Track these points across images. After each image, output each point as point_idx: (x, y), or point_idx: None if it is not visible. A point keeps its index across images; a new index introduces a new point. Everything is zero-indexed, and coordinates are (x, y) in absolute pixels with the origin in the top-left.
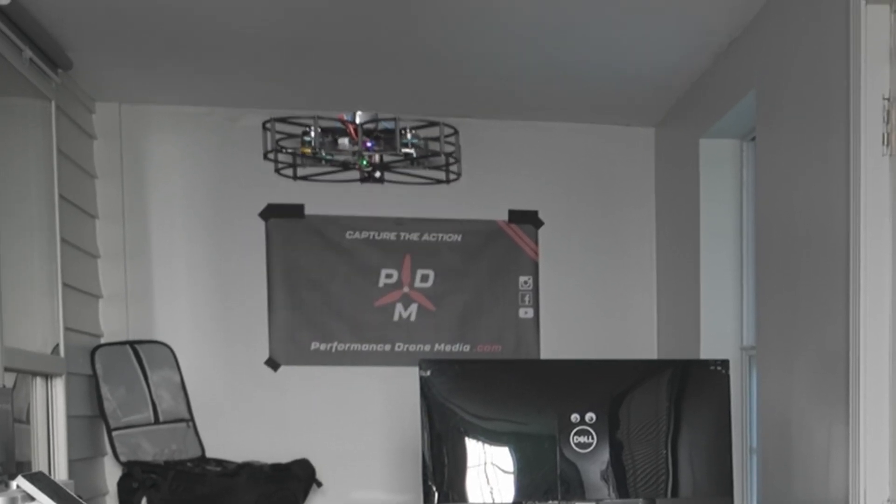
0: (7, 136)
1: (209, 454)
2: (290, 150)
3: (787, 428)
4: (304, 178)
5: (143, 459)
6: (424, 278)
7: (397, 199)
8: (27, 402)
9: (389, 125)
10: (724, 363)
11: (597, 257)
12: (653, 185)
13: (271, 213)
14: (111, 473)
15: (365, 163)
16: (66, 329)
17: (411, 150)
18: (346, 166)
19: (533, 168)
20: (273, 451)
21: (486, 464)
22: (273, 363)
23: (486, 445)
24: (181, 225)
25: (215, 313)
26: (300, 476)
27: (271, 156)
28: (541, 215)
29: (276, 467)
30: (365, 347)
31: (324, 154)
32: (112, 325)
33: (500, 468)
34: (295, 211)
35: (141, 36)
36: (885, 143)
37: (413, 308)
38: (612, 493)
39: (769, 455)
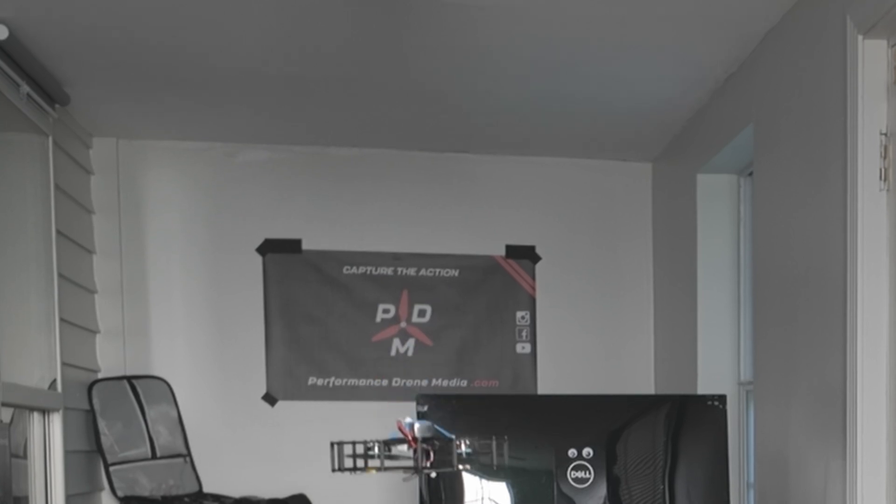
0: (4, 172)
1: (206, 489)
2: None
3: (784, 463)
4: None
5: (140, 494)
6: (422, 313)
7: (395, 235)
8: (24, 437)
9: (445, 434)
10: (722, 398)
11: (594, 292)
12: (650, 220)
13: (269, 248)
14: None
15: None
16: (64, 364)
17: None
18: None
19: (530, 203)
20: (270, 486)
21: (483, 499)
22: (270, 398)
23: (484, 481)
24: (178, 260)
25: (213, 348)
26: None
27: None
28: (538, 250)
29: (273, 502)
30: (362, 382)
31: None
32: (109, 360)
33: (497, 503)
34: (292, 246)
35: (138, 71)
36: (882, 177)
37: (410, 343)
38: None
39: (766, 490)
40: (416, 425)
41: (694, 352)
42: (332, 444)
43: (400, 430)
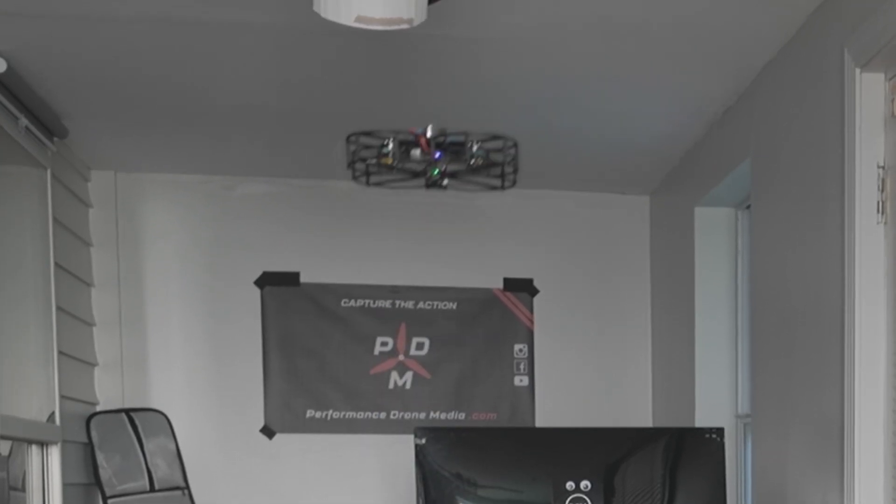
0: (3, 205)
1: None
2: (370, 161)
3: (782, 496)
4: (378, 184)
5: None
6: (420, 346)
7: (393, 268)
8: (23, 469)
9: (457, 139)
10: (720, 431)
11: (592, 325)
12: (648, 253)
13: (267, 281)
14: None
15: (437, 172)
16: (62, 397)
17: (479, 160)
18: (415, 175)
19: (528, 236)
20: None
21: None
22: (268, 431)
23: None
24: (177, 293)
25: (211, 381)
26: None
27: (353, 168)
28: (536, 283)
29: None
30: (360, 415)
31: (398, 164)
32: (107, 392)
33: None
34: (290, 279)
35: (136, 105)
36: (880, 210)
37: (408, 376)
38: None
39: None
40: (429, 126)
41: (692, 384)
42: (347, 138)
43: (412, 133)
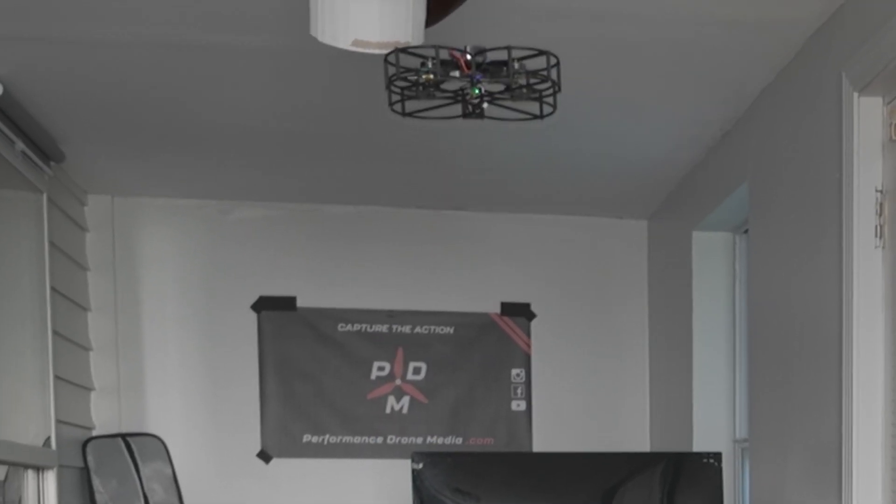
0: None
1: None
2: (409, 80)
3: None
4: (411, 114)
5: None
6: (417, 371)
7: (389, 292)
8: (19, 494)
9: (498, 57)
10: (717, 456)
11: (589, 349)
12: (645, 277)
13: (263, 305)
14: None
15: (477, 91)
16: (58, 421)
17: (518, 79)
18: (455, 97)
19: (525, 260)
20: None
21: None
22: (265, 455)
23: None
24: (173, 317)
25: (207, 405)
26: None
27: (390, 92)
28: (533, 308)
29: None
30: (357, 440)
31: (440, 79)
32: (104, 417)
33: None
34: (287, 303)
35: (133, 129)
36: (878, 235)
37: (405, 400)
38: None
39: None
40: (468, 47)
41: (689, 409)
42: (385, 58)
43: (452, 55)
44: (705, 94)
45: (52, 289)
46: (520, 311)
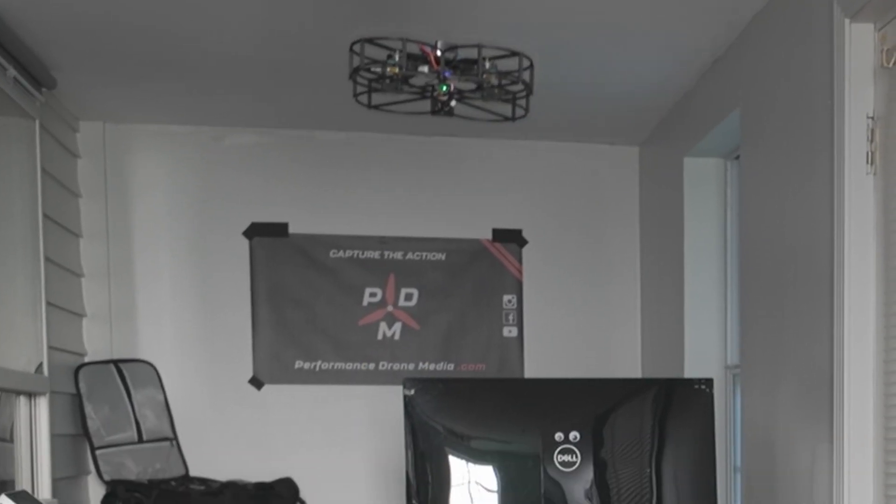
0: None
1: (193, 473)
2: (374, 71)
3: (771, 447)
4: (377, 107)
5: (126, 478)
6: (408, 297)
7: (381, 218)
8: (10, 420)
9: (469, 55)
10: (709, 382)
11: (581, 276)
12: (637, 204)
13: (255, 231)
14: (95, 492)
15: (445, 88)
16: (50, 348)
17: (490, 79)
18: (423, 93)
19: (517, 187)
20: (257, 469)
21: (469, 482)
22: (257, 382)
23: (470, 464)
24: (165, 244)
25: (199, 332)
26: (284, 495)
27: (355, 82)
28: (525, 234)
29: (260, 486)
30: (349, 366)
31: (405, 73)
32: (96, 343)
33: (483, 487)
34: (279, 230)
35: (125, 55)
36: (869, 161)
37: (397, 327)
38: None
39: (753, 474)
40: (438, 42)
41: (681, 335)
42: (351, 47)
43: (422, 50)
44: (696, 20)
45: (44, 215)
46: (511, 238)
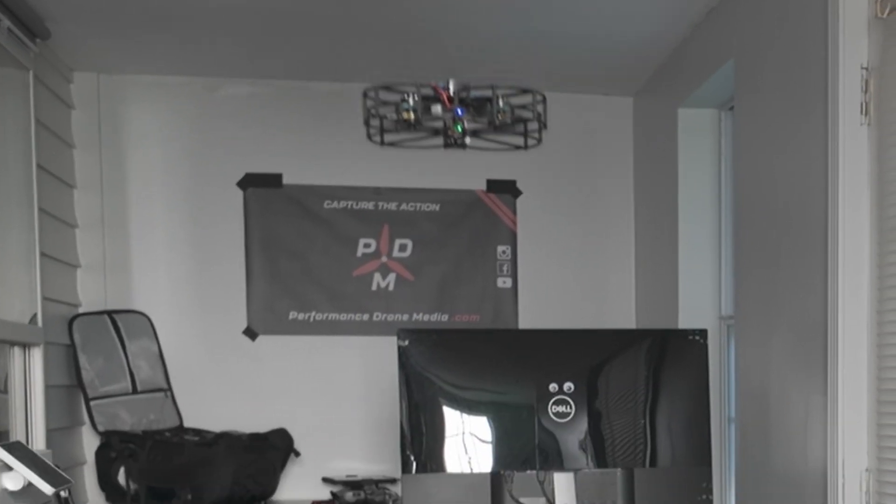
0: None
1: (187, 424)
2: (389, 118)
3: (765, 398)
4: (392, 144)
5: (120, 429)
6: (403, 248)
7: (375, 169)
8: (5, 371)
9: (482, 94)
10: (703, 333)
11: (575, 227)
12: (631, 155)
13: (249, 182)
14: (89, 443)
15: (460, 129)
16: (44, 299)
17: (505, 118)
18: (435, 132)
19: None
20: (251, 420)
21: (464, 433)
22: (251, 332)
23: (465, 415)
24: (159, 194)
25: (193, 283)
26: (278, 446)
27: (368, 126)
28: (519, 185)
29: (254, 437)
30: (343, 317)
31: (421, 120)
32: (90, 294)
33: (478, 438)
34: (273, 180)
35: (119, 5)
36: (864, 112)
37: (391, 278)
38: (590, 463)
39: (747, 425)
40: (451, 80)
41: (675, 286)
42: (364, 93)
43: (434, 89)
44: None
45: (39, 166)
46: (506, 189)
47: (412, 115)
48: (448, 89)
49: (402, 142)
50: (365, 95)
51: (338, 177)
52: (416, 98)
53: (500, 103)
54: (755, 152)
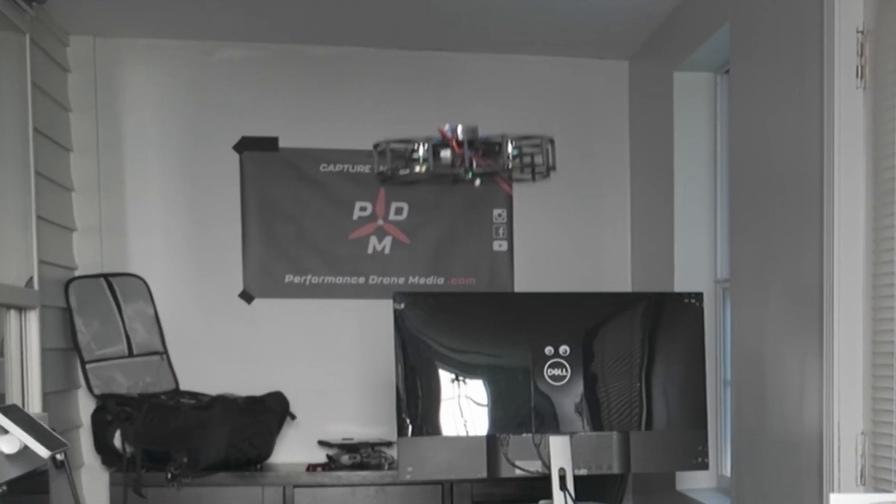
0: None
1: (183, 387)
2: (402, 171)
3: (760, 361)
4: (402, 181)
5: (116, 392)
6: (399, 211)
7: (371, 132)
8: (1, 334)
9: (492, 138)
10: (698, 296)
11: (571, 190)
12: (627, 118)
13: (245, 145)
14: (85, 406)
15: (471, 175)
16: (40, 262)
17: (515, 161)
18: (445, 177)
19: (505, 101)
20: (247, 383)
21: (459, 397)
22: (247, 296)
23: (460, 378)
24: (155, 158)
25: (189, 246)
26: (274, 409)
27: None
28: None
29: (250, 400)
30: (339, 280)
31: (432, 168)
32: (86, 257)
33: (473, 401)
34: (269, 144)
35: None
36: (859, 75)
37: (387, 241)
38: (585, 426)
39: (743, 388)
40: (459, 127)
41: (671, 249)
42: (375, 146)
43: (442, 134)
44: None
45: (35, 129)
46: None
47: (423, 168)
48: (456, 134)
49: (409, 178)
50: (375, 148)
51: (333, 140)
52: (427, 147)
53: (511, 149)
54: (750, 116)
